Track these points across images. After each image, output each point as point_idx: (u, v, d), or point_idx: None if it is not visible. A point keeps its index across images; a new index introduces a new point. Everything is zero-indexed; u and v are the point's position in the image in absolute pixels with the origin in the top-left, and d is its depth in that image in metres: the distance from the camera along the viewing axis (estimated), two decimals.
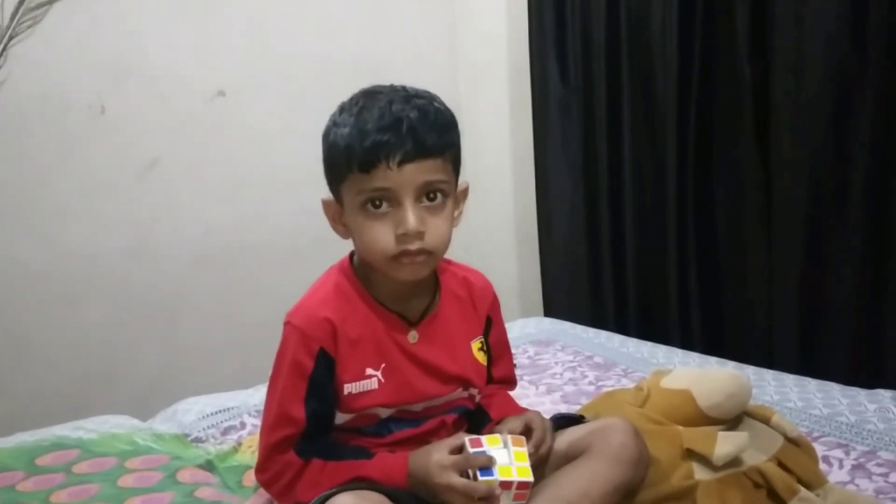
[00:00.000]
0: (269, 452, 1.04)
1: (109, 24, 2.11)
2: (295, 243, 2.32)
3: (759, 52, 1.82)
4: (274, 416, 1.04)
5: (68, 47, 2.07)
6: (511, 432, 1.04)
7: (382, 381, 1.05)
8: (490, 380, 1.19)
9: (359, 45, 2.41)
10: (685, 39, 1.95)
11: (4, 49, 1.97)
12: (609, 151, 2.22)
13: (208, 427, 1.53)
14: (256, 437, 1.23)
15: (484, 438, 1.02)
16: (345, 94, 1.05)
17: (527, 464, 0.99)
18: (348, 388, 1.04)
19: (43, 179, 2.08)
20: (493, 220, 2.67)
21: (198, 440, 1.50)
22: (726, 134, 1.94)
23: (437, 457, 0.99)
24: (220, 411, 1.58)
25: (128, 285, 2.21)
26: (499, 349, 1.20)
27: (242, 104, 2.30)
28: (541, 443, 1.05)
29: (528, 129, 2.48)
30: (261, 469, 1.06)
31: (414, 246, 0.99)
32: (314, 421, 1.04)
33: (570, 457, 1.05)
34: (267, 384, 1.08)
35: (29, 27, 2.00)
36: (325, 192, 1.07)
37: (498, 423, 1.10)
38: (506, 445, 1.00)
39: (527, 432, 1.06)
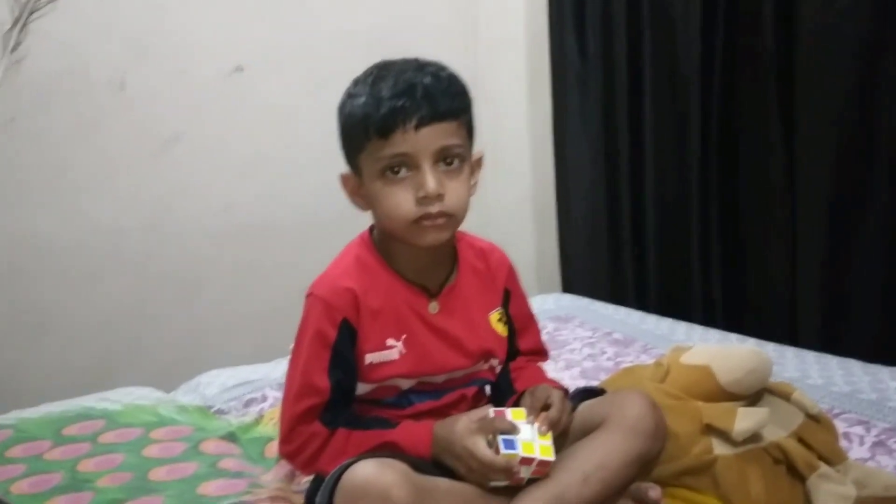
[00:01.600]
0: (294, 423, 1.04)
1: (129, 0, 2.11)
2: (315, 218, 2.32)
3: (783, 24, 1.79)
4: (298, 386, 1.05)
5: (88, 23, 2.07)
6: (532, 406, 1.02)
7: (403, 351, 1.06)
8: (518, 353, 1.19)
9: (377, 19, 2.39)
10: (708, 11, 1.92)
11: (25, 24, 1.98)
12: (629, 125, 2.19)
13: (230, 399, 1.55)
14: (278, 410, 1.24)
15: (508, 411, 1.01)
16: (364, 69, 1.06)
17: (550, 442, 0.99)
18: (369, 358, 1.05)
19: (63, 155, 2.09)
20: (512, 194, 2.66)
21: (220, 412, 1.52)
22: (750, 106, 1.92)
23: (463, 422, 1.00)
24: (241, 384, 1.60)
25: (149, 260, 2.22)
26: (522, 321, 1.19)
27: (261, 79, 2.30)
28: (556, 422, 1.02)
29: (546, 103, 2.46)
30: (285, 440, 1.06)
31: (434, 208, 1.00)
32: (338, 391, 1.04)
33: (588, 429, 1.05)
34: (288, 358, 1.09)
35: (49, 2, 2.00)
36: (344, 167, 1.08)
37: (521, 395, 1.10)
38: (531, 421, 1.00)
39: (545, 408, 1.05)
